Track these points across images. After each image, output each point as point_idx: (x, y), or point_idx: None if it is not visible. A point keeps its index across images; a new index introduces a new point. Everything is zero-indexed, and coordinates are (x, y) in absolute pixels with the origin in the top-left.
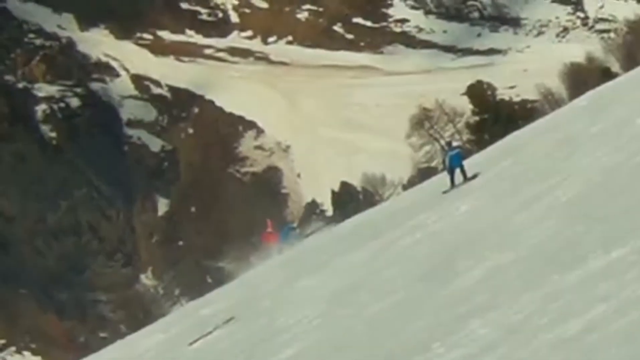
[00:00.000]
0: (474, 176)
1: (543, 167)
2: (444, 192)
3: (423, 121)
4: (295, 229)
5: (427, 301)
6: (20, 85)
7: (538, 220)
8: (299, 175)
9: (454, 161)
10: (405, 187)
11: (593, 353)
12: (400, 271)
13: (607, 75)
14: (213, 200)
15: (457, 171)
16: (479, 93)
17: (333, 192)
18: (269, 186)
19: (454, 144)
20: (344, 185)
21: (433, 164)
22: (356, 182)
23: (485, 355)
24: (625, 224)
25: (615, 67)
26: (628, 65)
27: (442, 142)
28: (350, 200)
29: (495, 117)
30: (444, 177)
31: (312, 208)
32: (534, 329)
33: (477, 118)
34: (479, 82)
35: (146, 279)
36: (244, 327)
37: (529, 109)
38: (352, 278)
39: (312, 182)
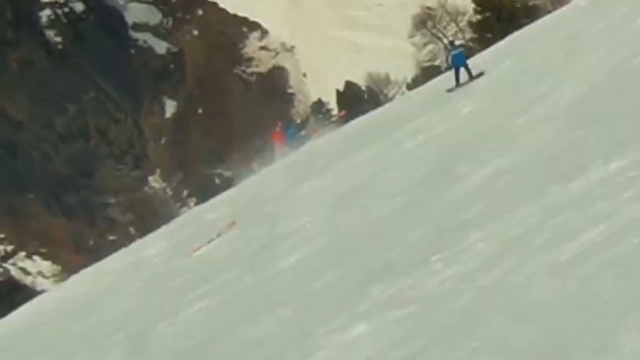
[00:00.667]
0: (480, 74)
1: (544, 68)
2: (449, 91)
3: (425, 20)
4: (300, 128)
5: (427, 207)
6: None
7: (539, 123)
8: (304, 75)
9: (457, 60)
10: (409, 86)
11: (588, 281)
12: (402, 174)
13: None
14: (220, 101)
15: (462, 70)
16: None
17: (338, 92)
18: (274, 86)
19: (457, 42)
20: (349, 84)
21: (436, 63)
22: (361, 81)
23: (481, 275)
24: (625, 128)
25: None
26: None
27: (445, 41)
28: (355, 99)
29: (498, 16)
30: (448, 76)
31: (319, 107)
32: (531, 248)
33: (479, 17)
34: None
35: (155, 181)
36: (246, 234)
37: (531, 7)
38: (354, 181)
39: (317, 81)
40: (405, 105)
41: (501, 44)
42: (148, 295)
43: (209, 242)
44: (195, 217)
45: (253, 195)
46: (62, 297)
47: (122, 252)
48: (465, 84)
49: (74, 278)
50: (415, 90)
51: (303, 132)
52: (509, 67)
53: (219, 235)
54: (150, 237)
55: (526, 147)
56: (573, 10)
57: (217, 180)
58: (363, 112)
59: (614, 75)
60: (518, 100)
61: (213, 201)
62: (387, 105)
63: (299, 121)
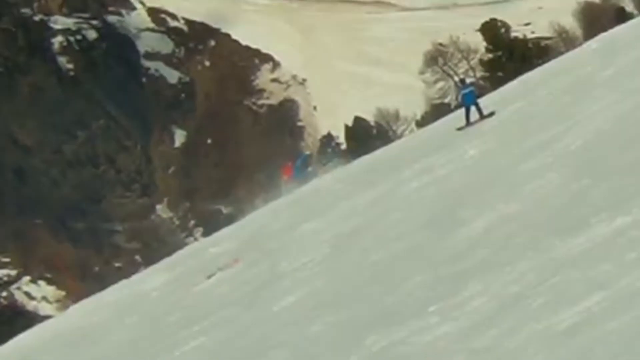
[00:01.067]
0: (491, 114)
1: (553, 112)
2: (459, 129)
3: (437, 57)
4: (309, 162)
5: (428, 253)
6: (37, 17)
7: (545, 170)
8: (315, 108)
9: (468, 99)
10: (418, 123)
11: (584, 354)
12: (405, 217)
13: (621, 14)
14: (229, 132)
15: (473, 108)
16: (492, 30)
17: (347, 127)
18: (284, 119)
19: (468, 80)
20: (358, 120)
21: (447, 100)
22: (370, 116)
23: (475, 336)
24: (631, 181)
25: (629, 6)
26: None
27: (456, 78)
28: (364, 135)
29: (509, 55)
30: (457, 115)
31: (328, 141)
32: (527, 311)
33: (490, 55)
34: (493, 20)
35: (162, 210)
36: (247, 270)
37: (543, 47)
38: (357, 222)
39: (328, 114)
40: (412, 144)
41: (511, 84)
42: (144, 330)
43: (210, 276)
44: (198, 250)
45: (256, 230)
46: (59, 328)
47: (122, 283)
48: (475, 122)
49: (73, 308)
50: (423, 129)
51: (310, 168)
52: (518, 109)
53: (219, 270)
54: (151, 269)
55: (531, 194)
56: (585, 53)
57: (223, 211)
58: (371, 148)
59: (622, 124)
60: (525, 145)
61: (216, 235)
62: (394, 144)
63: (308, 152)
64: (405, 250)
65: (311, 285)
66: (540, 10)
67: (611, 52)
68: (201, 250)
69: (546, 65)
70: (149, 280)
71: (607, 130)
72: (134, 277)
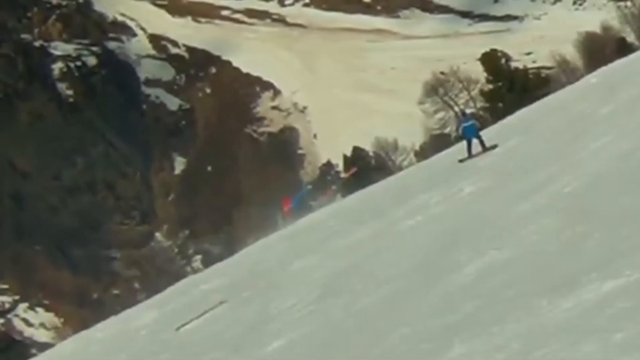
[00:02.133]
0: (494, 146)
1: (550, 150)
2: (460, 161)
3: (437, 87)
4: (309, 196)
5: (416, 301)
6: (37, 43)
7: (539, 214)
8: (315, 136)
9: (468, 131)
10: (417, 154)
11: None
12: (396, 259)
13: (622, 45)
14: (229, 160)
15: (475, 141)
16: (493, 61)
17: (345, 157)
18: (285, 146)
19: (468, 111)
20: (356, 150)
21: (446, 131)
22: (369, 145)
23: None
24: (626, 233)
25: (630, 37)
26: None
27: (456, 109)
28: (362, 165)
29: (510, 86)
30: (456, 148)
31: (327, 169)
32: None
33: (491, 86)
34: (493, 51)
35: (161, 237)
36: (235, 311)
37: (544, 77)
38: (347, 262)
39: (328, 142)
40: (407, 181)
41: (510, 119)
42: None
43: (198, 317)
44: (189, 287)
45: (247, 268)
46: None
47: (112, 320)
48: (478, 155)
49: (63, 344)
50: (421, 164)
51: (313, 203)
52: (516, 145)
53: (208, 311)
54: (141, 306)
55: (524, 240)
56: (584, 87)
57: (222, 237)
58: (369, 179)
59: (620, 165)
60: (521, 185)
61: (208, 271)
62: (391, 178)
63: (310, 187)
64: (394, 295)
65: (298, 330)
66: (542, 39)
67: (610, 87)
68: (192, 286)
69: (545, 100)
70: (139, 317)
71: (604, 173)
72: (124, 313)
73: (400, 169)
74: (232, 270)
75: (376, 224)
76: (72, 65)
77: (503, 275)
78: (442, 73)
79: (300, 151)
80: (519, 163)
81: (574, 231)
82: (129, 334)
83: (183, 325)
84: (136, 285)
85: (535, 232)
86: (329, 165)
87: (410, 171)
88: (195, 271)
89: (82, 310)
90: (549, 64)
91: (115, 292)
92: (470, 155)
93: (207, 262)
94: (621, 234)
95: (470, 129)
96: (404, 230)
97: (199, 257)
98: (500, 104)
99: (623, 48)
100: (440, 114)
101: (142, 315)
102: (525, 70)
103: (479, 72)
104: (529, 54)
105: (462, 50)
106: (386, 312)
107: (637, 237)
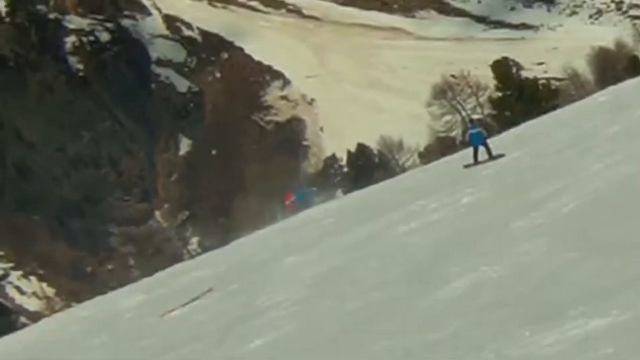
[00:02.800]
0: (501, 155)
1: (551, 167)
2: (466, 166)
3: (446, 90)
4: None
5: (401, 312)
6: (52, 15)
7: (534, 232)
8: (321, 129)
9: (475, 139)
10: (421, 155)
11: None
12: (386, 265)
13: (634, 63)
14: (234, 146)
15: (482, 148)
16: (503, 69)
17: (349, 152)
18: (290, 137)
19: (475, 117)
20: (361, 147)
21: (452, 134)
22: (374, 143)
23: None
24: (619, 265)
25: None
26: None
27: (463, 113)
28: (365, 162)
29: (519, 95)
30: (461, 155)
31: (331, 162)
32: None
33: (499, 94)
34: (505, 59)
35: (160, 217)
36: (221, 303)
37: (553, 89)
38: (338, 263)
39: (334, 136)
40: (408, 184)
41: (516, 130)
42: (111, 353)
43: (184, 305)
44: (180, 273)
45: (239, 259)
46: (28, 341)
47: (98, 300)
48: (483, 162)
49: (46, 321)
50: (423, 167)
51: (316, 199)
52: (518, 158)
53: (194, 299)
54: (128, 288)
55: (515, 260)
56: (592, 105)
57: (220, 224)
58: (372, 176)
59: (622, 189)
60: (519, 200)
61: (200, 258)
62: (392, 180)
63: (315, 188)
64: (381, 303)
65: (282, 328)
66: (555, 50)
67: (618, 107)
68: (182, 273)
69: (553, 114)
70: (126, 299)
71: (603, 196)
72: (112, 294)
73: (403, 169)
74: (224, 260)
75: (371, 227)
76: (84, 39)
77: (490, 295)
78: (452, 76)
79: (305, 142)
80: (521, 176)
81: (567, 257)
82: (113, 315)
83: (168, 312)
84: (131, 261)
85: (528, 252)
86: (333, 158)
87: (411, 174)
88: (191, 254)
89: (74, 282)
90: (559, 76)
91: (110, 267)
92: (476, 162)
93: (204, 246)
94: (613, 266)
95: (477, 136)
96: (397, 235)
97: (196, 239)
98: (507, 113)
99: (635, 66)
100: (447, 117)
101: (129, 298)
102: (535, 80)
103: (489, 79)
104: (540, 64)
105: (475, 55)
106: (370, 321)
107: (628, 271)
